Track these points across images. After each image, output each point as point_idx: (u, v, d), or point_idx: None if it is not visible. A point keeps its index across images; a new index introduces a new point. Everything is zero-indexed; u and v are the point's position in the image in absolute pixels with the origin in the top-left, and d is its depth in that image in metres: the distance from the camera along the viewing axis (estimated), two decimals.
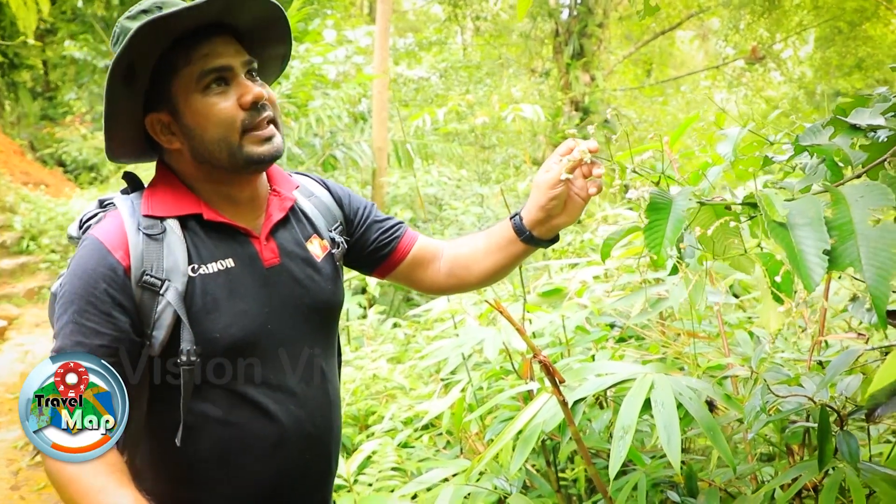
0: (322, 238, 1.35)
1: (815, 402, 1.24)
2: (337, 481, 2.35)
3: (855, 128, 0.88)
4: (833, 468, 1.25)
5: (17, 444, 4.01)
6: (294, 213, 1.33)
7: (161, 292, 1.13)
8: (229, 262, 1.20)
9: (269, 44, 1.28)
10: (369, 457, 2.53)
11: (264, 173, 1.30)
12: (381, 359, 3.37)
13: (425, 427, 2.78)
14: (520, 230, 1.33)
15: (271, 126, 1.19)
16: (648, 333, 2.19)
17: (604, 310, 2.13)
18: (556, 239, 1.36)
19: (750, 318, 2.15)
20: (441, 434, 2.78)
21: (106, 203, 1.26)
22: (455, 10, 12.01)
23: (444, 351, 2.32)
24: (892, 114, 0.88)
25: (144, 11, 1.15)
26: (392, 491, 2.45)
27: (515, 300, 2.34)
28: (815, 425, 1.29)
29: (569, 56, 11.41)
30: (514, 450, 1.51)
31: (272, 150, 1.19)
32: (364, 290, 4.99)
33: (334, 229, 1.39)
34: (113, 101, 1.14)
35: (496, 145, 8.19)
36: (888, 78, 13.48)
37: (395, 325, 4.14)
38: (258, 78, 1.22)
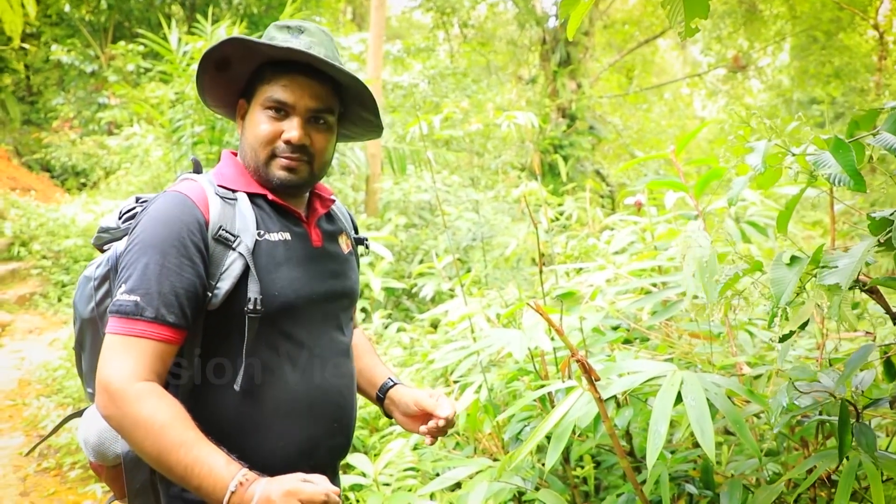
0: (348, 237, 1.56)
1: (835, 397, 1.34)
2: (362, 481, 2.42)
3: None
4: (847, 457, 1.36)
5: (21, 451, 4.01)
6: (331, 211, 1.54)
7: (234, 246, 1.28)
8: (286, 235, 1.38)
9: (356, 104, 1.47)
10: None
11: None
12: (389, 363, 3.44)
13: None
14: (379, 400, 1.58)
15: (299, 163, 1.37)
16: (653, 334, 2.29)
17: (619, 312, 2.23)
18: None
19: (751, 319, 2.25)
20: (451, 435, 2.85)
21: (142, 200, 1.41)
22: (442, 17, 12.13)
23: (460, 353, 2.41)
24: None
25: (287, 28, 1.37)
26: (410, 490, 2.53)
27: (521, 305, 2.42)
28: (832, 419, 1.40)
29: (556, 63, 11.57)
30: (549, 445, 1.59)
31: (290, 178, 1.37)
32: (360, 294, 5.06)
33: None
34: (200, 75, 1.37)
35: (489, 152, 8.28)
36: (864, 87, 13.82)
37: (399, 330, 4.21)
38: (323, 123, 1.39)
